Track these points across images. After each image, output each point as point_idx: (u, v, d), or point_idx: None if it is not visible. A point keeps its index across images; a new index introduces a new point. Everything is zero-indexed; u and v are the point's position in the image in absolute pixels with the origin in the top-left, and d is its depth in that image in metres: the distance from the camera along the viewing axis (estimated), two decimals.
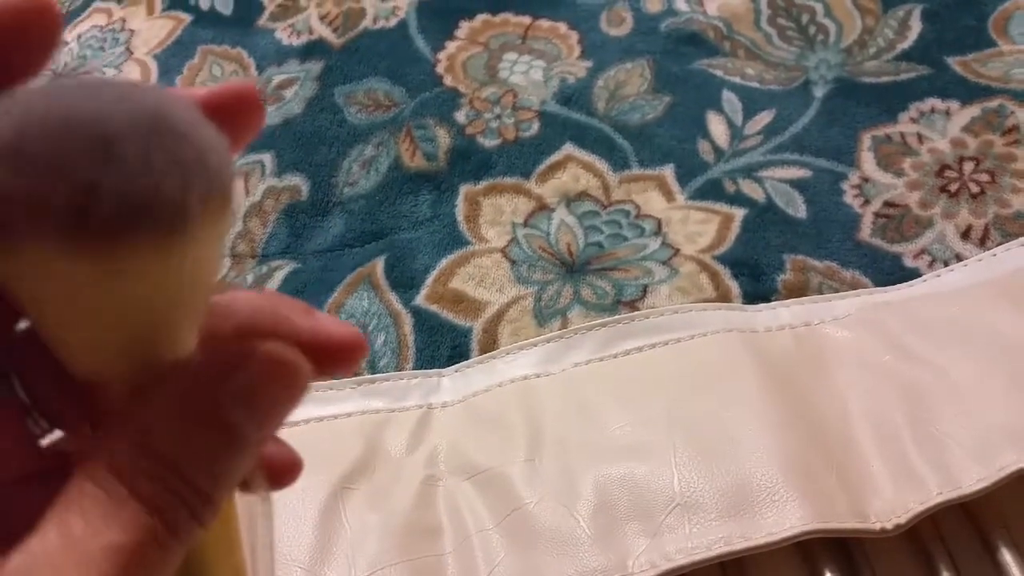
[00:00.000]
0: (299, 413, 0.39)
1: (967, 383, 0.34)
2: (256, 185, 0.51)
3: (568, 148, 0.49)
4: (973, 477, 0.31)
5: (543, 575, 0.32)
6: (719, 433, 0.34)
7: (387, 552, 0.33)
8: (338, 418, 0.39)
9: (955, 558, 0.31)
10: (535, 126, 0.51)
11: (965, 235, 0.42)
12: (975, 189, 0.44)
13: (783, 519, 0.31)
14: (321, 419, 0.39)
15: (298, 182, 0.51)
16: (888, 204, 0.44)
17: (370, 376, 0.41)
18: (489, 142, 0.50)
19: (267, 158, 0.52)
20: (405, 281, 0.45)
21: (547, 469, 0.35)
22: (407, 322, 0.43)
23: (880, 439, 0.33)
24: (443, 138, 0.51)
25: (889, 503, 0.31)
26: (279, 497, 0.35)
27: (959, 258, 0.41)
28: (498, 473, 0.35)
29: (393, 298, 0.45)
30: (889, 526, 0.31)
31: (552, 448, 0.36)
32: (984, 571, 0.31)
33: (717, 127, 0.49)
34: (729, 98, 0.50)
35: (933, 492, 0.31)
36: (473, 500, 0.35)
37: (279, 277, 0.47)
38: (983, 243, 0.42)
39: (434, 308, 0.44)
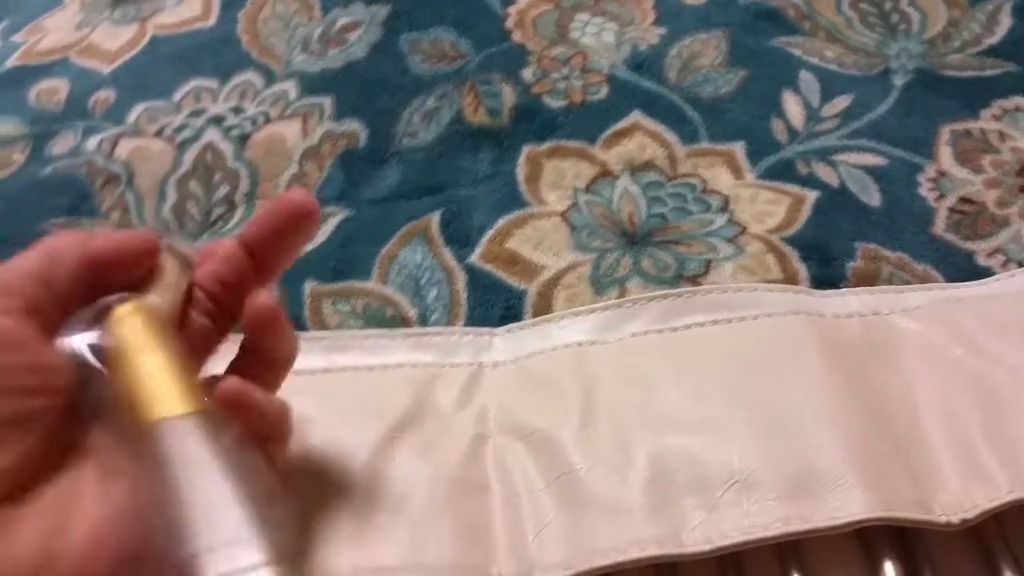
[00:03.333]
0: (347, 360, 0.39)
1: None
2: (314, 128, 0.50)
3: (636, 116, 0.48)
4: None
5: (593, 540, 0.31)
6: (782, 414, 0.33)
7: (435, 502, 0.33)
8: (388, 368, 0.39)
9: (1019, 560, 0.30)
10: (603, 90, 0.50)
11: None
12: None
13: (846, 504, 0.30)
14: (371, 368, 0.39)
15: (356, 128, 0.50)
16: (964, 200, 0.43)
17: (420, 329, 0.41)
18: (555, 103, 0.49)
19: (327, 102, 0.51)
20: (460, 238, 0.44)
21: (600, 436, 0.34)
22: (460, 279, 0.43)
23: (949, 434, 0.32)
24: (508, 95, 0.50)
25: (956, 497, 0.30)
26: (331, 441, 0.35)
27: None
28: (549, 436, 0.35)
29: (447, 254, 0.44)
30: (955, 520, 0.30)
31: (606, 416, 0.35)
32: None
33: (793, 107, 0.48)
34: (806, 78, 0.49)
35: (1003, 490, 0.30)
36: (523, 460, 0.34)
37: (332, 223, 0.46)
38: None
39: (489, 267, 0.43)
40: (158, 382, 0.25)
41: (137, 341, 0.26)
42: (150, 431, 0.24)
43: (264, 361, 0.30)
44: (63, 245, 0.27)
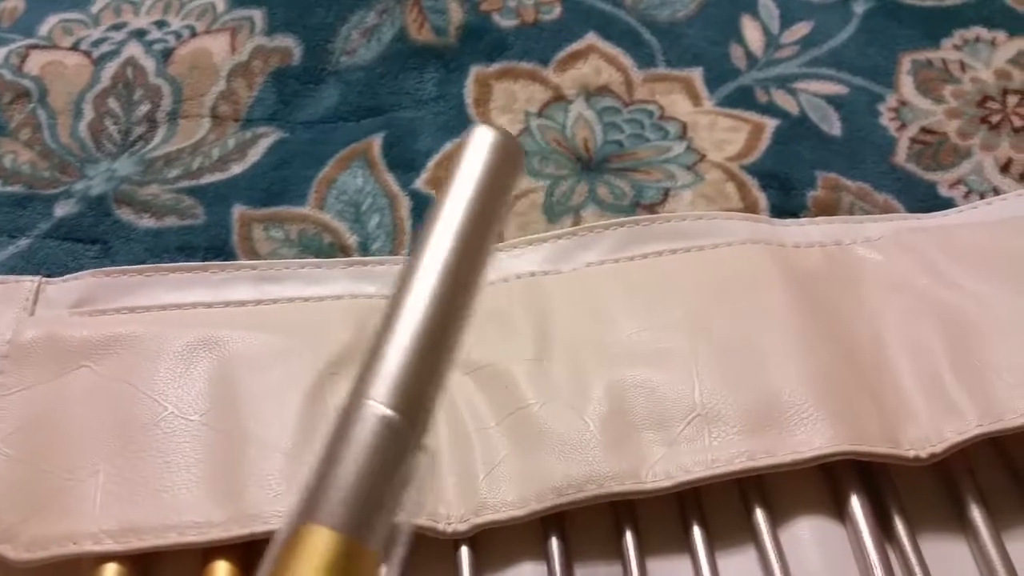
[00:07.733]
0: (280, 291, 0.36)
1: (1011, 315, 0.32)
2: (243, 43, 0.47)
3: (591, 38, 0.46)
4: (1016, 411, 0.29)
5: (549, 478, 0.29)
6: (745, 346, 0.32)
7: None
8: (325, 300, 0.36)
9: (984, 493, 0.30)
10: (556, 10, 0.47)
11: (1004, 169, 0.40)
12: (1018, 123, 0.41)
13: (812, 438, 0.29)
14: (307, 299, 0.36)
15: (290, 44, 0.47)
16: (925, 130, 0.42)
17: (362, 259, 0.38)
18: (505, 22, 0.46)
19: (257, 15, 0.48)
20: (404, 162, 0.42)
21: (555, 370, 0.32)
22: (404, 205, 0.40)
23: (916, 366, 0.31)
24: (455, 12, 0.47)
25: (924, 431, 0.29)
26: (264, 382, 0.32)
27: (996, 192, 0.39)
28: (501, 370, 0.33)
29: (390, 179, 0.41)
30: (923, 454, 0.29)
31: (561, 349, 0.33)
32: (1015, 507, 0.30)
33: (752, 32, 0.46)
34: (765, 4, 0.47)
35: (972, 424, 0.29)
36: (472, 396, 0.32)
37: (263, 145, 0.43)
38: (1023, 179, 0.40)
39: (435, 193, 0.40)
40: None
41: None
42: None
43: None
44: None
